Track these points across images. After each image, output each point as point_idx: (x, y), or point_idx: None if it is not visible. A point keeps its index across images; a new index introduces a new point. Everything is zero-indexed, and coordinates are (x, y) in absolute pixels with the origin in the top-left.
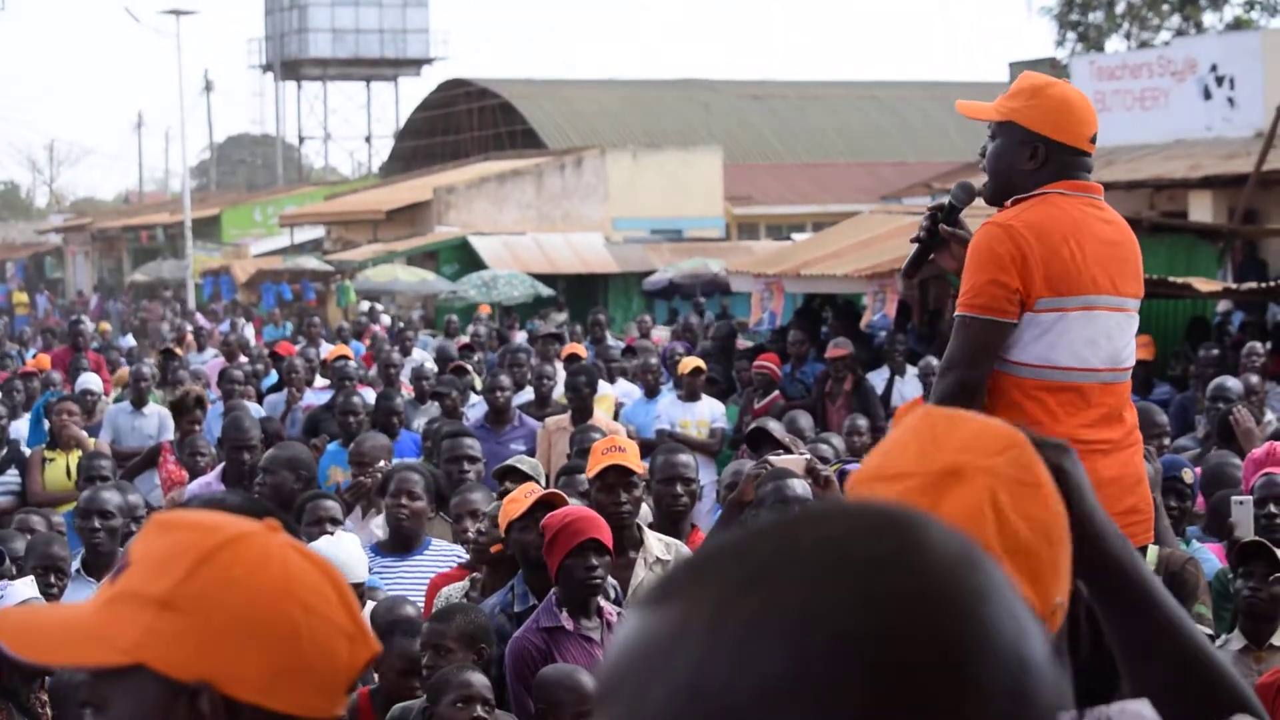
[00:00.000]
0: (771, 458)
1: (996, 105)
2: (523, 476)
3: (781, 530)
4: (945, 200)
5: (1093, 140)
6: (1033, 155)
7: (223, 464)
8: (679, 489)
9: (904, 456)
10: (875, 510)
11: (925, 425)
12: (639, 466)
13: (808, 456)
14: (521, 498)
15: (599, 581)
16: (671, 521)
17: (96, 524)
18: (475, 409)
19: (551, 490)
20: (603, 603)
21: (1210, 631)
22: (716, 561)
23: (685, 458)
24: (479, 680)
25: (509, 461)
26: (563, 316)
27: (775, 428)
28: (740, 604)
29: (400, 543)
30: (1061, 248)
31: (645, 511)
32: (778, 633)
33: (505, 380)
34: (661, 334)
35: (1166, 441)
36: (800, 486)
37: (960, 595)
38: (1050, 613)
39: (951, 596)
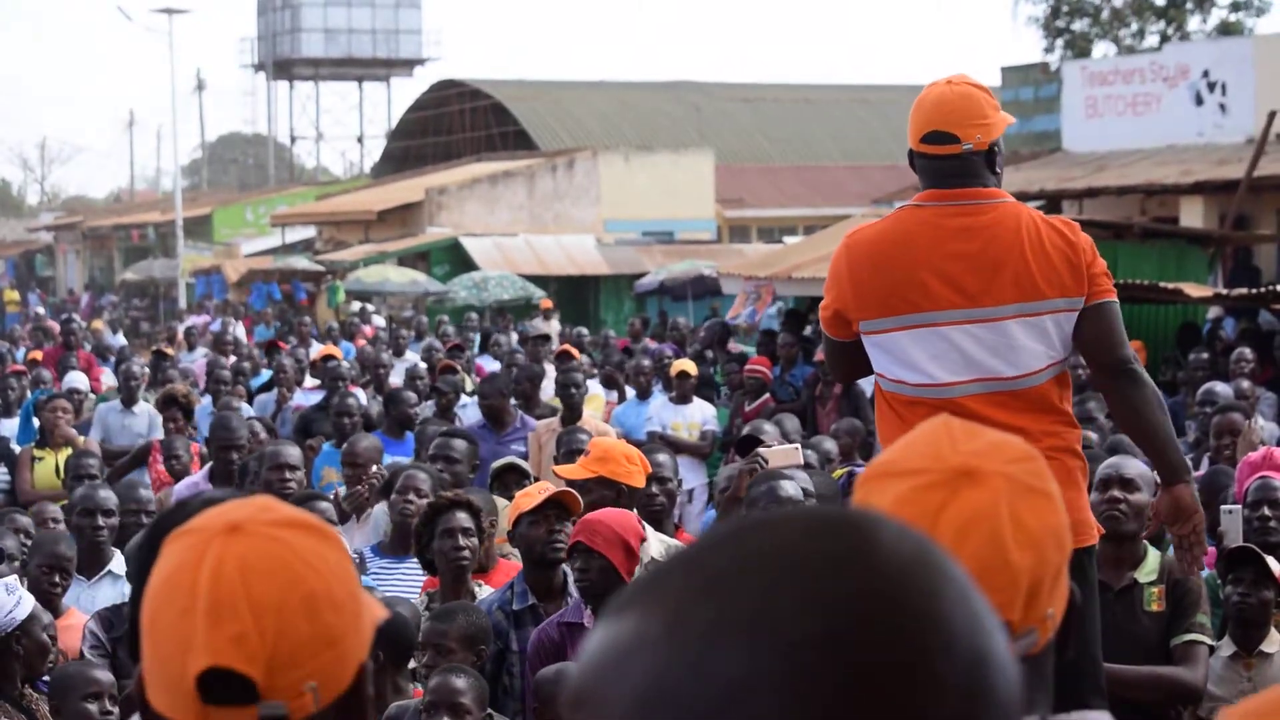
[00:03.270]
0: (763, 450)
1: None
2: (522, 474)
3: (735, 536)
4: None
5: (930, 140)
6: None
7: (210, 464)
8: (654, 489)
9: (918, 454)
10: (827, 514)
11: (943, 429)
12: (616, 474)
13: (798, 446)
14: (534, 493)
15: (584, 584)
16: (651, 522)
17: (100, 522)
18: (466, 409)
19: (565, 489)
20: None
21: (1212, 642)
22: (673, 569)
23: (662, 457)
24: (460, 684)
25: (509, 459)
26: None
27: (769, 432)
28: (694, 609)
29: (401, 543)
30: (880, 269)
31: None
32: (731, 637)
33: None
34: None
35: None
36: (792, 487)
37: (912, 594)
38: (1041, 620)
39: (903, 595)
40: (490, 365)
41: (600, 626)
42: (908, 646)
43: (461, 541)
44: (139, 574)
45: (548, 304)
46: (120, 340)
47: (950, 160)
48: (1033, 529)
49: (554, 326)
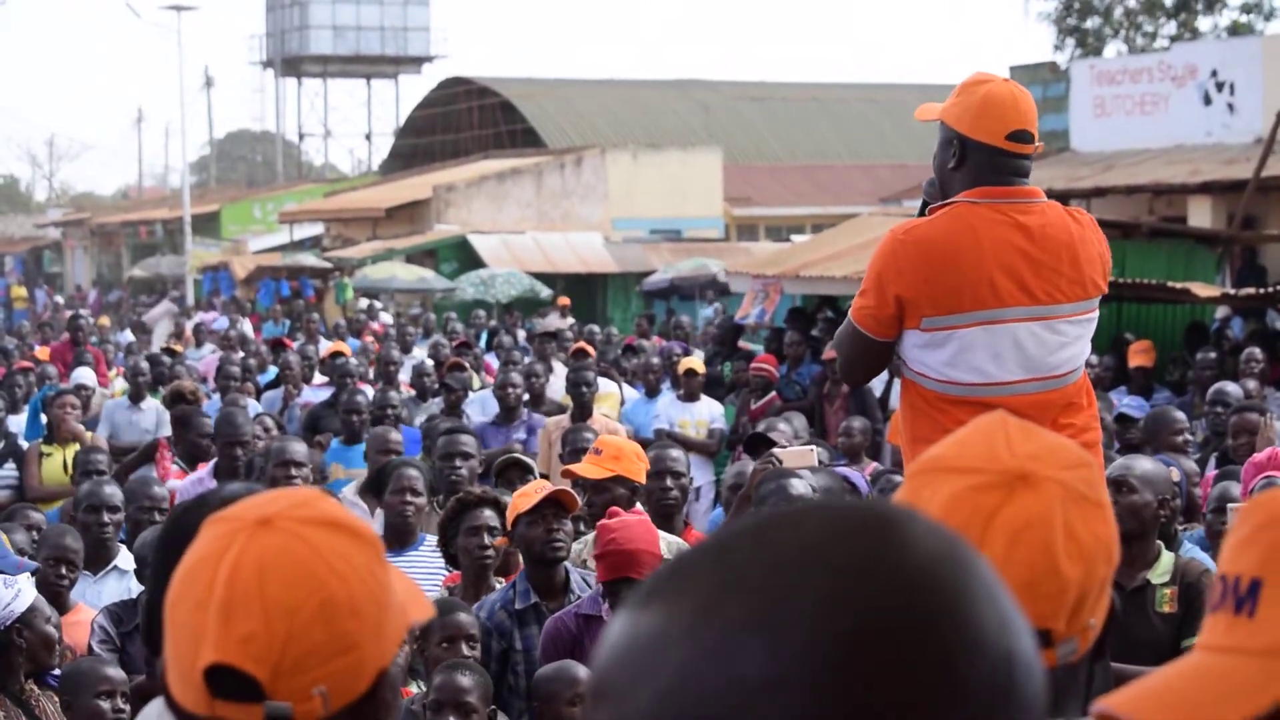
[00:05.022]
0: (778, 450)
1: (943, 104)
2: (525, 469)
3: (761, 531)
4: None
5: (1017, 138)
6: (953, 154)
7: (215, 460)
8: (669, 483)
9: (973, 453)
10: (855, 509)
11: (999, 427)
12: (630, 473)
13: (813, 448)
14: (531, 493)
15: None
16: (663, 517)
17: (105, 518)
18: (472, 405)
19: (562, 488)
20: None
21: None
22: (698, 563)
23: (676, 452)
24: (466, 682)
25: (512, 454)
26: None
27: (783, 430)
28: (720, 606)
29: (396, 539)
30: (951, 265)
31: None
32: (758, 635)
33: (516, 378)
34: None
35: (1186, 438)
36: (802, 486)
37: (939, 593)
38: (1082, 630)
39: (930, 595)
40: (498, 363)
41: (621, 619)
42: (935, 646)
43: (486, 540)
44: (155, 569)
45: (565, 301)
46: (128, 336)
47: (1026, 159)
48: (1084, 540)
49: (566, 323)
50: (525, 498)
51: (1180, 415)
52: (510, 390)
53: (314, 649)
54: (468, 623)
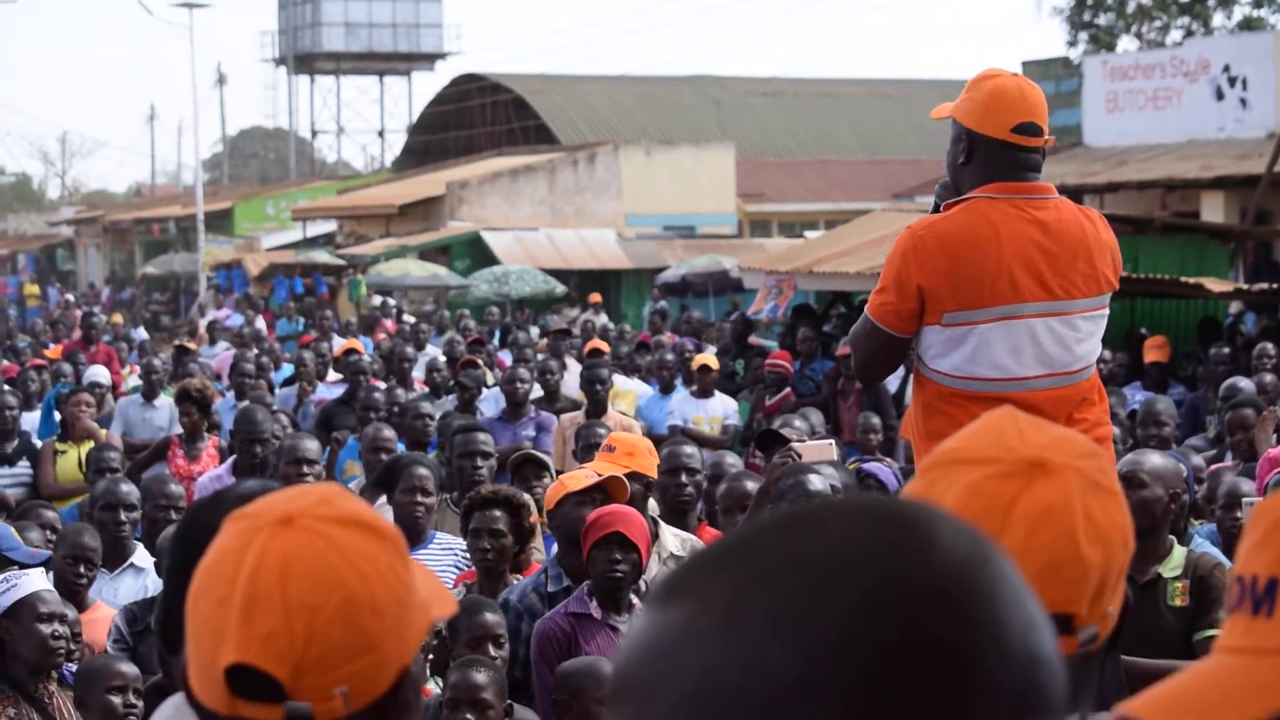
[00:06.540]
0: (797, 445)
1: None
2: (541, 466)
3: (787, 529)
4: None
5: (1024, 131)
6: (962, 149)
7: (234, 457)
8: (683, 479)
9: (987, 444)
10: (882, 507)
11: (1009, 420)
12: (645, 469)
13: (831, 443)
14: (582, 476)
15: (620, 575)
16: (677, 513)
17: (122, 516)
18: (486, 403)
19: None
20: (635, 599)
21: None
22: (723, 560)
23: (690, 449)
24: (481, 679)
25: (529, 451)
26: (575, 313)
27: (798, 426)
28: (747, 606)
29: (406, 537)
30: (972, 260)
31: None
32: (785, 637)
33: (524, 373)
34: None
35: (1164, 433)
36: (821, 482)
37: (968, 594)
38: (1102, 617)
39: (959, 596)
40: (511, 360)
41: (645, 615)
42: (965, 651)
43: (486, 543)
44: (172, 566)
45: (596, 298)
46: (141, 334)
47: (1035, 153)
48: (1102, 525)
49: (571, 315)
50: (575, 480)
51: (1163, 410)
52: (518, 386)
53: (335, 648)
54: (494, 623)
